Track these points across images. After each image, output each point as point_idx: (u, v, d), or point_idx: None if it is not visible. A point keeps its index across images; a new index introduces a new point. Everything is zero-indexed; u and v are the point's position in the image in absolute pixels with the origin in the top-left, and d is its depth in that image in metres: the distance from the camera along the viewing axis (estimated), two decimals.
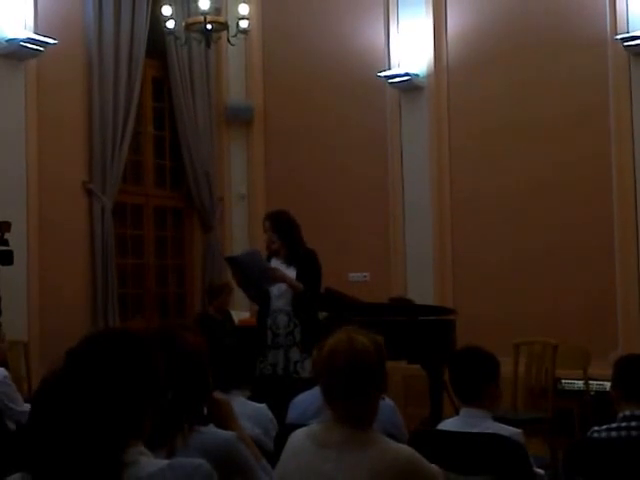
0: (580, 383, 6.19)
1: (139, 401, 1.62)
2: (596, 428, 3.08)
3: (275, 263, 5.44)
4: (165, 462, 1.63)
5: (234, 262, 5.55)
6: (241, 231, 8.53)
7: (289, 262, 5.39)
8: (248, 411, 3.05)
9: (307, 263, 5.37)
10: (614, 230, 6.66)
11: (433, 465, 2.26)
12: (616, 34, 6.57)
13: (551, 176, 6.95)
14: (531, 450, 2.98)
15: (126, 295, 7.65)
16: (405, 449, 2.22)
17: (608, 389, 5.54)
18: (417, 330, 5.87)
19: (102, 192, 7.19)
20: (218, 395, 2.58)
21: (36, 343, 6.49)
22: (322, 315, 5.58)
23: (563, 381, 6.35)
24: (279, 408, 3.50)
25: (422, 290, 7.29)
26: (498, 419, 3.15)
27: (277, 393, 4.43)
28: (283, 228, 5.42)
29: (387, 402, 3.21)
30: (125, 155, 7.41)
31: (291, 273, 5.36)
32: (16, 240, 6.08)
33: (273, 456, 2.59)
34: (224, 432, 2.35)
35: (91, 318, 7.10)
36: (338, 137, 8.03)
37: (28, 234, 6.63)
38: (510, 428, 3.03)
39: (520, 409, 5.93)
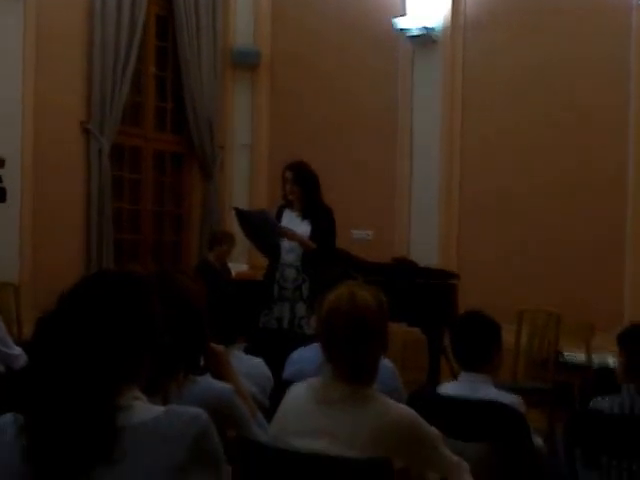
0: (582, 356, 6.04)
1: (135, 344, 1.57)
2: (599, 399, 3.04)
3: (289, 215, 5.34)
4: (161, 409, 1.56)
5: (243, 215, 5.46)
6: (243, 181, 8.33)
7: (304, 215, 5.29)
8: (244, 367, 2.95)
9: (322, 220, 5.26)
10: (626, 207, 6.48)
11: (433, 427, 2.25)
12: None
13: (565, 140, 6.76)
14: (529, 421, 2.93)
15: (122, 241, 7.46)
16: (406, 409, 2.22)
17: (611, 364, 5.47)
18: (418, 293, 5.78)
19: (100, 133, 6.97)
20: (215, 346, 2.47)
21: (28, 285, 6.34)
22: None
23: (565, 354, 6.20)
24: (279, 363, 3.44)
25: (426, 251, 7.12)
26: (497, 387, 3.10)
27: (279, 347, 4.31)
28: (305, 181, 5.28)
29: (387, 363, 3.11)
30: (125, 95, 7.16)
31: (305, 227, 5.26)
32: (9, 178, 5.89)
33: (269, 413, 2.55)
34: (220, 383, 2.31)
35: (85, 262, 6.95)
36: (347, 86, 7.77)
37: (22, 172, 6.46)
38: (511, 396, 3.00)
39: (520, 379, 5.86)
